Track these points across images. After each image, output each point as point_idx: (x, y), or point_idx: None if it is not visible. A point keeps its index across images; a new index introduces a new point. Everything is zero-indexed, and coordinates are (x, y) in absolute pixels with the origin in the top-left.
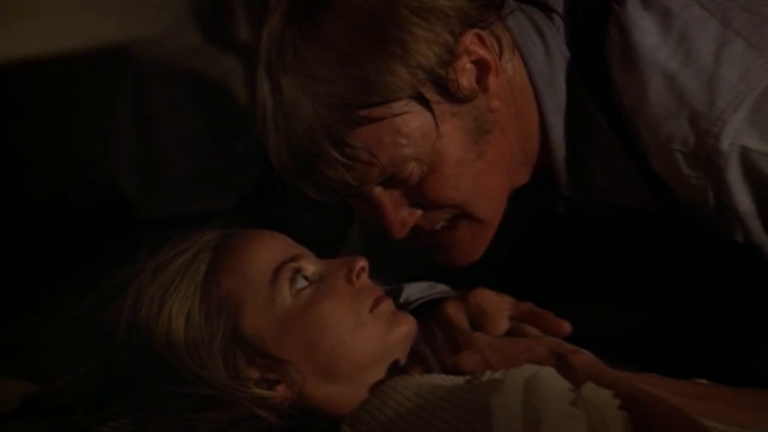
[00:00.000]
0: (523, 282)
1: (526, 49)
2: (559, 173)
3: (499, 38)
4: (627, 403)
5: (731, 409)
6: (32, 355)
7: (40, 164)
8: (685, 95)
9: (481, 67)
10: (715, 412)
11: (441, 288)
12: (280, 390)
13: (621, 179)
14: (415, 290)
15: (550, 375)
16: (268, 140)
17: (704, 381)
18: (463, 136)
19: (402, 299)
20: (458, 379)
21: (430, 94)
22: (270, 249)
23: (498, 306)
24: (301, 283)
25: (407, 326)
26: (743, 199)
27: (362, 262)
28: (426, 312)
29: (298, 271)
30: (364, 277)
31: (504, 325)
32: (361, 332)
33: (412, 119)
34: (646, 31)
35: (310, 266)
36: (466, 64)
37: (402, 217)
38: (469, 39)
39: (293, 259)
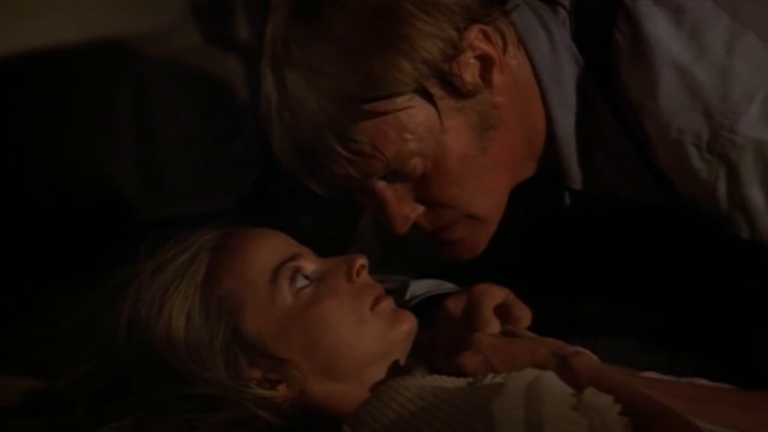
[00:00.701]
0: (529, 276)
1: (531, 43)
2: (565, 167)
3: (503, 33)
4: (628, 407)
5: (732, 411)
6: (32, 355)
7: (40, 164)
8: (697, 89)
9: (485, 62)
10: (716, 415)
11: (448, 286)
12: (282, 390)
13: (626, 173)
14: (420, 287)
15: (551, 379)
16: (272, 134)
17: (705, 381)
18: (467, 131)
19: (407, 296)
20: (460, 381)
21: (435, 89)
22: (270, 248)
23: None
24: (302, 282)
25: (408, 324)
26: (755, 194)
27: (362, 260)
28: (431, 309)
29: (298, 270)
30: (364, 275)
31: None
32: (362, 330)
33: (417, 114)
34: (658, 24)
35: (310, 265)
36: (470, 59)
37: (405, 212)
38: (473, 34)
39: (293, 258)
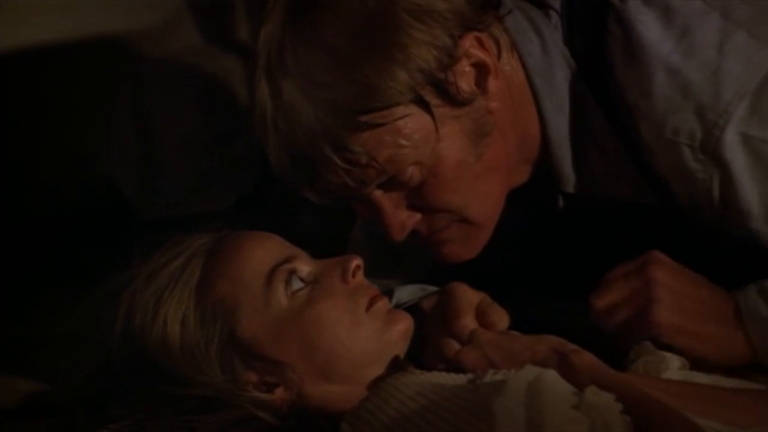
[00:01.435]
0: (523, 278)
1: (524, 47)
2: (559, 170)
3: (497, 40)
4: (628, 406)
5: (731, 409)
6: (32, 356)
7: (40, 164)
8: (690, 88)
9: (481, 69)
10: (715, 413)
11: (432, 290)
12: (279, 392)
13: (620, 175)
14: (405, 293)
15: (553, 378)
16: (267, 144)
17: (701, 378)
18: (463, 138)
19: (393, 303)
20: (460, 378)
21: (430, 98)
22: (264, 251)
23: (469, 300)
24: (297, 284)
25: (404, 324)
26: (747, 194)
27: (357, 261)
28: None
29: (293, 272)
30: (360, 276)
31: (471, 321)
32: (359, 332)
33: (413, 122)
34: (648, 25)
35: (305, 267)
36: (465, 67)
37: (401, 219)
38: (468, 42)
39: (287, 260)
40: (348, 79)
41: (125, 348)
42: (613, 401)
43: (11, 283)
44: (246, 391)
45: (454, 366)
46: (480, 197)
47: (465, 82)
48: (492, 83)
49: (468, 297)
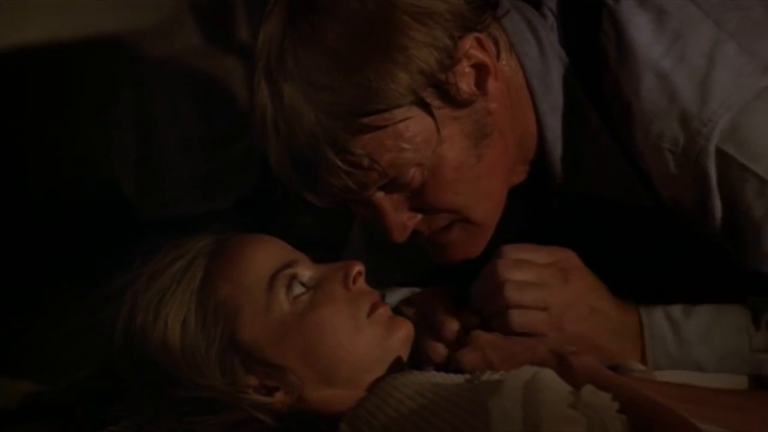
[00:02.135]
0: None
1: (521, 48)
2: (554, 170)
3: (496, 40)
4: (626, 406)
5: (729, 412)
6: (32, 357)
7: (40, 164)
8: (676, 94)
9: (481, 70)
10: (713, 416)
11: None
12: (279, 396)
13: (615, 175)
14: (395, 297)
15: (550, 377)
16: (268, 147)
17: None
18: (463, 140)
19: None
20: (458, 378)
21: (431, 99)
22: (266, 255)
23: (449, 302)
24: (298, 289)
25: (405, 330)
26: (716, 205)
27: (358, 267)
28: None
29: (294, 277)
30: (361, 281)
31: (455, 322)
32: (360, 337)
33: (414, 125)
34: (639, 27)
35: (307, 272)
36: (465, 68)
37: (402, 220)
38: (468, 43)
39: (289, 265)
40: (349, 82)
41: (126, 349)
42: (610, 400)
43: (11, 283)
44: (246, 394)
45: (446, 367)
46: (481, 198)
47: (465, 83)
48: (492, 84)
49: (448, 299)
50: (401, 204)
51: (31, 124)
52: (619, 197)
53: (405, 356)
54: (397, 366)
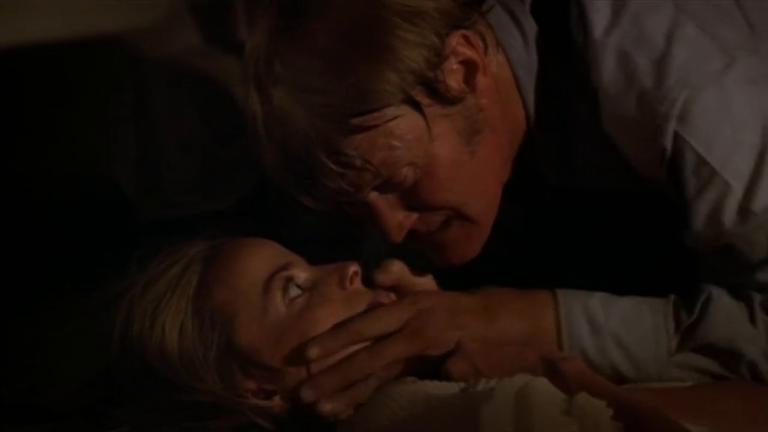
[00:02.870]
0: (519, 272)
1: (506, 42)
2: (545, 164)
3: (483, 36)
4: (620, 412)
5: (722, 417)
6: (32, 358)
7: (40, 164)
8: (635, 74)
9: (469, 67)
10: (704, 420)
11: None
12: (277, 400)
13: (603, 163)
14: None
15: (543, 385)
16: (262, 152)
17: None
18: (455, 137)
19: None
20: (453, 387)
21: (421, 97)
22: (260, 259)
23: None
24: (294, 291)
25: None
26: (683, 183)
27: (354, 267)
28: None
29: (290, 279)
30: (357, 281)
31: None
32: None
33: (405, 123)
34: (600, 10)
35: (302, 274)
36: (453, 65)
37: (398, 220)
38: (455, 40)
39: (284, 267)
40: (339, 83)
41: (123, 356)
42: (604, 407)
43: (11, 284)
44: (245, 399)
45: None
46: (476, 194)
47: (454, 80)
48: (481, 80)
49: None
50: (397, 204)
51: (31, 124)
52: (609, 186)
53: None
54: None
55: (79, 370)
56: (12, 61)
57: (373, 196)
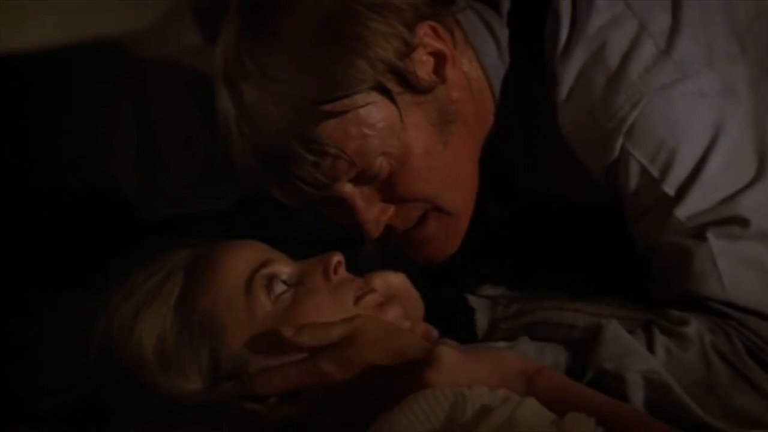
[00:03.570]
0: (501, 273)
1: (480, 48)
2: (515, 172)
3: (452, 30)
4: (604, 421)
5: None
6: (31, 359)
7: (40, 164)
8: (589, 91)
9: (438, 58)
10: None
11: None
12: (270, 402)
13: (567, 169)
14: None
15: (529, 408)
16: (234, 150)
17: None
18: (428, 126)
19: None
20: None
21: (392, 85)
22: (239, 260)
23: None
24: (279, 287)
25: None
26: (625, 199)
27: (338, 257)
28: None
29: (273, 276)
30: (342, 271)
31: None
32: None
33: (376, 111)
34: (567, 26)
35: (286, 269)
36: (422, 55)
37: (375, 215)
38: (423, 31)
39: (264, 264)
40: (308, 72)
41: (102, 364)
42: (593, 424)
43: (11, 283)
44: (239, 403)
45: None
46: (452, 185)
47: (424, 71)
48: (450, 71)
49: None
50: (373, 197)
51: (31, 125)
52: (580, 200)
53: None
54: None
55: (66, 378)
56: (12, 61)
57: (349, 189)
